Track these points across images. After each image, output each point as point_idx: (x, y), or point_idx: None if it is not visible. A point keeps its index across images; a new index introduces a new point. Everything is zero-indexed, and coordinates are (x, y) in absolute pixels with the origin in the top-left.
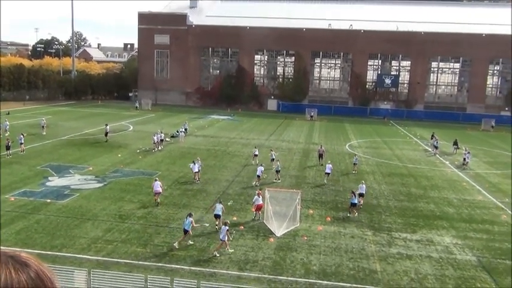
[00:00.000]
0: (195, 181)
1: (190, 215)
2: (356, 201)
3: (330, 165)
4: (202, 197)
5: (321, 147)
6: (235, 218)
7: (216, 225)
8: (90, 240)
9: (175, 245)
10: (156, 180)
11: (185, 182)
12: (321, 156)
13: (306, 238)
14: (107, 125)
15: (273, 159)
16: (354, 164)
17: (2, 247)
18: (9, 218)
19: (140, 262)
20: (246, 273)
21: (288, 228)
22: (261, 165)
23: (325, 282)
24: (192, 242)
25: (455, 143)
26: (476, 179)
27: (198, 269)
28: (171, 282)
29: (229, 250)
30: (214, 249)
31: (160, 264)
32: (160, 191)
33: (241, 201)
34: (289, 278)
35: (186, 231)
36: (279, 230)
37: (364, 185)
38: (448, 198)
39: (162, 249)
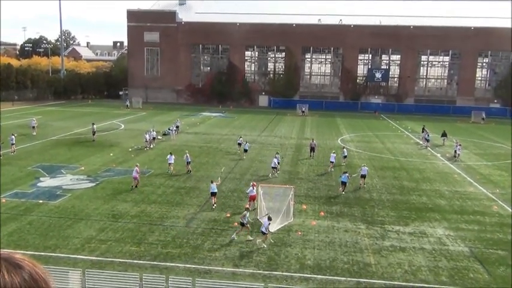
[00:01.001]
0: (169, 171)
1: (247, 209)
2: (346, 180)
3: (334, 154)
4: (196, 195)
5: (313, 141)
6: (228, 215)
7: (214, 203)
8: (84, 240)
9: (234, 236)
10: (136, 165)
11: (178, 180)
12: (312, 149)
13: (300, 233)
14: (93, 124)
15: (246, 150)
16: (344, 157)
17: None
18: (1, 219)
19: (135, 261)
20: (241, 270)
21: (282, 223)
22: (276, 156)
23: (320, 276)
24: (251, 238)
25: (444, 134)
26: (467, 170)
27: (193, 266)
28: (166, 281)
29: (264, 245)
30: (261, 240)
31: (155, 262)
32: (137, 176)
33: (234, 197)
34: (284, 273)
35: (243, 224)
36: (273, 225)
37: (365, 167)
38: (439, 190)
39: (156, 248)
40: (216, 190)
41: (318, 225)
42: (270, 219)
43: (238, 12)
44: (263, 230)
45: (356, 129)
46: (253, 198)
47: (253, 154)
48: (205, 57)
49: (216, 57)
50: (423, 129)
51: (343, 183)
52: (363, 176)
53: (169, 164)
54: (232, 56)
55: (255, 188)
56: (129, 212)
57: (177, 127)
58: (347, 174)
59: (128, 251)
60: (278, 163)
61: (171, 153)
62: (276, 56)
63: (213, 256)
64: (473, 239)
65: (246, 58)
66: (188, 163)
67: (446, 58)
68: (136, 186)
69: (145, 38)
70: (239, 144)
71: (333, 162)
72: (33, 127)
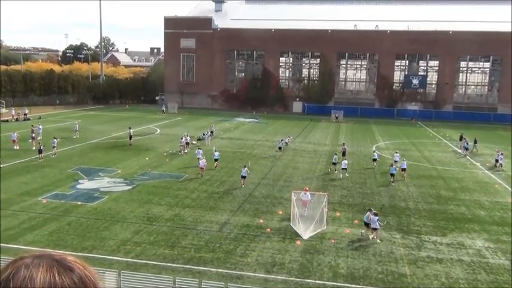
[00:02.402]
0: (199, 165)
1: (375, 214)
2: (394, 172)
3: (398, 154)
4: (229, 200)
5: (344, 145)
6: (261, 221)
7: (242, 184)
8: (120, 242)
9: (367, 235)
10: (203, 158)
11: (212, 185)
12: (344, 153)
13: (333, 241)
14: (130, 128)
15: (280, 148)
16: (374, 160)
17: (47, 249)
18: (42, 219)
19: (168, 264)
20: (273, 276)
21: (315, 230)
22: (335, 153)
23: (354, 285)
24: (379, 241)
25: (475, 142)
26: (509, 180)
27: (225, 271)
28: (199, 284)
29: (378, 240)
30: (372, 235)
31: (188, 266)
32: (203, 166)
33: (267, 203)
34: (317, 281)
35: (375, 229)
36: (306, 232)
37: (405, 161)
38: (479, 200)
39: (189, 251)
40: (245, 174)
41: (352, 233)
42: (376, 214)
43: (273, 19)
44: (374, 226)
45: (392, 136)
46: (305, 204)
47: (286, 160)
48: (240, 63)
49: (251, 63)
50: (461, 137)
51: (392, 175)
52: (403, 170)
53: (198, 158)
54: (267, 62)
55: (307, 193)
56: (164, 215)
57: (212, 132)
58: (394, 167)
59: (162, 253)
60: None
61: (199, 148)
62: (311, 62)
63: (245, 261)
64: None
65: (280, 64)
66: (216, 160)
67: (487, 64)
68: (201, 176)
69: (182, 44)
70: (286, 142)
71: (397, 161)
72: (76, 131)
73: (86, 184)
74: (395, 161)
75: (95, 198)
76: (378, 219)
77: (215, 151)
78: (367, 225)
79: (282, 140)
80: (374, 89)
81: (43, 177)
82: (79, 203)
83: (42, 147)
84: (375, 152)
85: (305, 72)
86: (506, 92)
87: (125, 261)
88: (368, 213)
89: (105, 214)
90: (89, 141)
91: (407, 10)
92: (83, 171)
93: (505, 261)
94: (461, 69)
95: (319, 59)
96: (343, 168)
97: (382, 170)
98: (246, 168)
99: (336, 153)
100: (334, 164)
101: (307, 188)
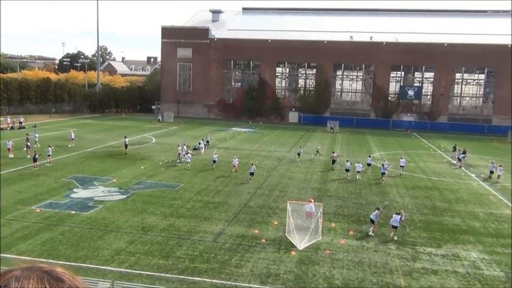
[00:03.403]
0: (187, 168)
1: (377, 209)
2: (385, 171)
3: (403, 159)
4: (224, 210)
5: (334, 153)
6: (256, 231)
7: (250, 179)
8: (113, 252)
9: (371, 232)
10: (235, 158)
11: (207, 194)
12: (333, 162)
13: (328, 252)
14: (125, 137)
15: (299, 154)
16: (368, 164)
17: (35, 260)
18: (35, 229)
19: (162, 274)
20: (267, 287)
21: (310, 241)
22: (347, 161)
23: None
24: (396, 238)
25: (464, 152)
26: (504, 192)
27: (220, 282)
28: None
29: (395, 238)
30: (392, 235)
31: (182, 276)
32: (235, 164)
33: (262, 213)
34: None
35: (395, 227)
36: (301, 243)
37: (386, 164)
38: (474, 212)
39: (184, 262)
40: (253, 171)
41: (347, 244)
42: (397, 214)
43: (269, 29)
44: (394, 224)
45: (387, 147)
46: (309, 215)
47: (282, 170)
48: (237, 72)
49: (247, 73)
50: (454, 147)
51: (383, 174)
52: (383, 174)
53: (187, 162)
54: (263, 72)
55: (311, 204)
56: (158, 225)
57: (207, 142)
58: (385, 167)
59: (156, 264)
60: (365, 166)
61: (189, 153)
62: (307, 72)
63: (240, 272)
64: (510, 263)
65: (276, 74)
66: (214, 162)
67: (482, 76)
68: (236, 172)
69: (179, 54)
70: (318, 151)
71: (402, 166)
72: (72, 139)
73: (80, 193)
74: (401, 166)
75: (89, 208)
76: (401, 218)
77: (215, 154)
78: (372, 222)
79: (300, 148)
80: (370, 99)
81: (37, 185)
82: (73, 212)
83: (37, 155)
84: (369, 157)
85: (301, 82)
86: (501, 104)
87: (119, 272)
88: (376, 211)
89: (99, 223)
90: (84, 150)
91: (403, 22)
92: (78, 180)
93: (500, 272)
94: (456, 80)
95: (315, 70)
96: (358, 171)
97: (377, 181)
98: (253, 166)
99: (347, 161)
100: (347, 170)
101: (312, 200)
